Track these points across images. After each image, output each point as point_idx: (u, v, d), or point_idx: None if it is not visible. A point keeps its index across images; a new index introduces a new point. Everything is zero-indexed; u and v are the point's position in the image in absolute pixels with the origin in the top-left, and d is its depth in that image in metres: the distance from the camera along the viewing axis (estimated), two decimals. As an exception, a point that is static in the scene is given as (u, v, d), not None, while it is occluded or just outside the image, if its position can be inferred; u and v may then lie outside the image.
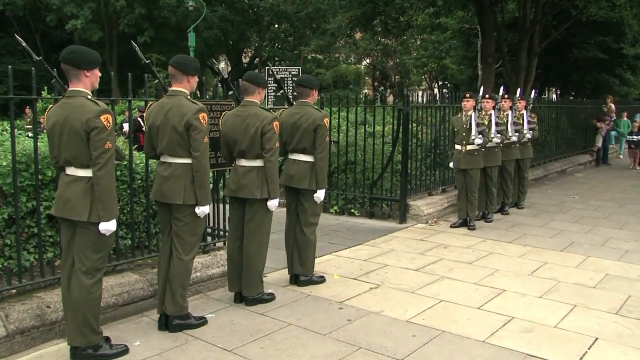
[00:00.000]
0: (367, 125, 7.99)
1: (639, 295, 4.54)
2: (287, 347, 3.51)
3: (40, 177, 3.74)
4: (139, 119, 10.40)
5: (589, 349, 3.54)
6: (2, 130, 5.51)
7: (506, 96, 7.96)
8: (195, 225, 3.72)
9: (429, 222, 7.25)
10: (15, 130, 3.66)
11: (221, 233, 5.06)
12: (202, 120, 3.57)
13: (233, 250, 4.28)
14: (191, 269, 3.82)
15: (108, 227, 3.14)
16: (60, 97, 3.35)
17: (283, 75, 11.80)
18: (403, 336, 3.69)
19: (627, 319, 4.05)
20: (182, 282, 3.70)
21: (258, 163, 4.11)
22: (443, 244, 6.19)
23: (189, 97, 3.69)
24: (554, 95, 20.88)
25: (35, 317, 3.46)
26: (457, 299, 4.40)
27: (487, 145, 7.03)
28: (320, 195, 4.59)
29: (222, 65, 33.53)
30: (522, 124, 8.11)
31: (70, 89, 3.17)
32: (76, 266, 3.21)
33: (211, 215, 4.96)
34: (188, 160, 3.60)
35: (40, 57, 3.33)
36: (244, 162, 4.15)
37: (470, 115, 6.79)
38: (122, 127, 10.98)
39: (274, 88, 11.90)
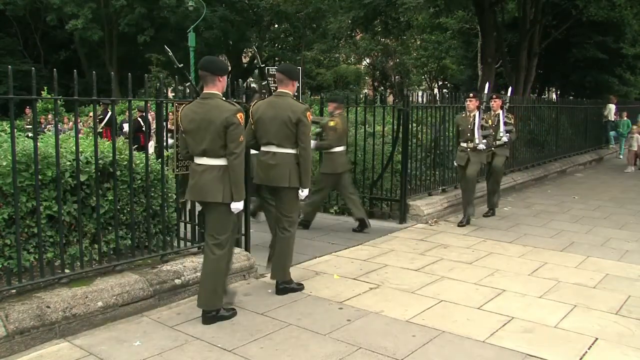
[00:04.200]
0: (367, 125, 7.99)
1: (639, 295, 4.55)
2: (287, 347, 3.52)
3: (40, 177, 3.74)
4: (139, 119, 10.38)
5: (589, 349, 3.53)
6: (1, 131, 5.51)
7: (471, 95, 7.04)
8: (295, 205, 4.48)
9: (429, 222, 7.26)
10: (15, 130, 3.66)
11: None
12: (308, 117, 4.32)
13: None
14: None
15: (238, 206, 3.76)
16: (189, 98, 4.15)
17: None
18: (403, 336, 3.69)
19: (627, 319, 4.05)
20: (290, 252, 4.51)
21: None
22: (443, 244, 6.19)
23: (293, 97, 4.42)
24: (554, 95, 20.89)
25: (35, 317, 3.46)
26: (457, 299, 4.40)
27: None
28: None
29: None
30: (498, 126, 7.40)
31: (206, 91, 3.78)
32: (209, 243, 3.81)
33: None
34: (292, 151, 4.32)
35: (182, 65, 4.15)
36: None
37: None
38: (122, 127, 10.97)
39: (274, 88, 11.95)
